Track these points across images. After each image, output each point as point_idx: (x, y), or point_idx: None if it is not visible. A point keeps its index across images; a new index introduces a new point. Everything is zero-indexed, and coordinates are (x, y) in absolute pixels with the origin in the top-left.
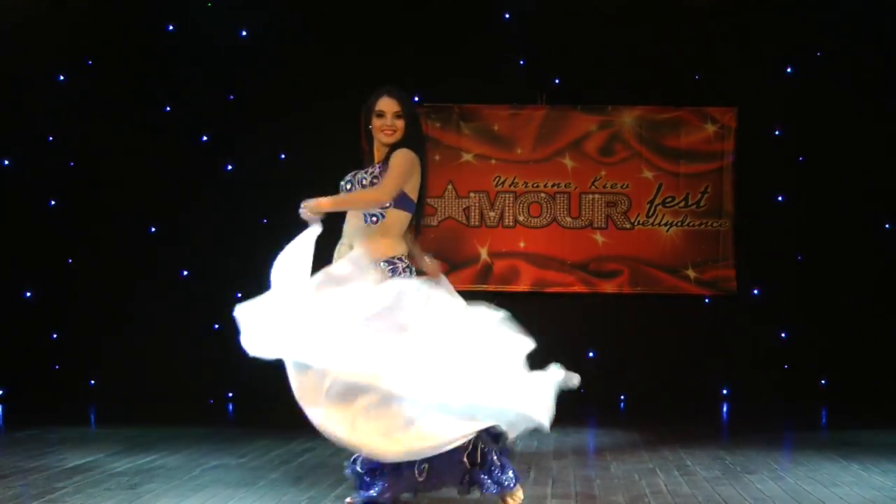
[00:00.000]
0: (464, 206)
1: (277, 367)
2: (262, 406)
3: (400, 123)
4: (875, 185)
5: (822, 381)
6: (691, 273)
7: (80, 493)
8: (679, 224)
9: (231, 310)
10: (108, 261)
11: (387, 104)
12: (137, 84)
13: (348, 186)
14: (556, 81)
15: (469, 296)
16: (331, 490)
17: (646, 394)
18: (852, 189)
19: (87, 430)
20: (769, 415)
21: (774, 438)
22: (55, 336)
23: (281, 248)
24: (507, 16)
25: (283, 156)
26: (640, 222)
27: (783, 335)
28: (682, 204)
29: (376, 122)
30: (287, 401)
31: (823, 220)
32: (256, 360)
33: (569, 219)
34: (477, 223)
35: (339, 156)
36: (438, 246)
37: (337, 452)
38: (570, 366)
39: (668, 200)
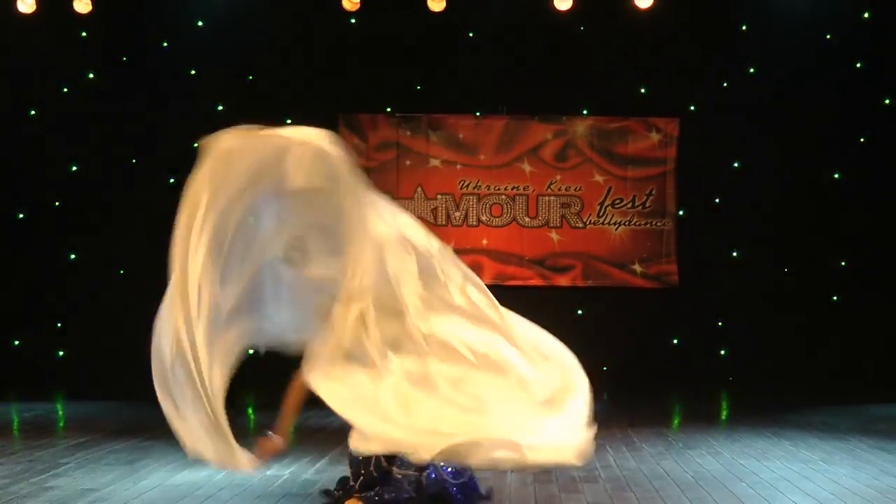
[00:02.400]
0: (432, 207)
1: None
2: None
3: None
4: (803, 188)
5: (757, 366)
6: (637, 268)
7: (82, 468)
8: (627, 223)
9: None
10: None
11: None
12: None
13: None
14: (516, 94)
15: None
16: (311, 465)
17: (597, 378)
18: (783, 192)
19: (88, 411)
20: (709, 396)
21: (713, 417)
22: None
23: None
24: (472, 34)
25: None
26: (592, 222)
27: (720, 323)
28: (629, 205)
29: None
30: (273, 383)
31: (756, 220)
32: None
33: (527, 218)
34: (444, 222)
35: None
36: None
37: (318, 431)
38: None
39: (616, 202)
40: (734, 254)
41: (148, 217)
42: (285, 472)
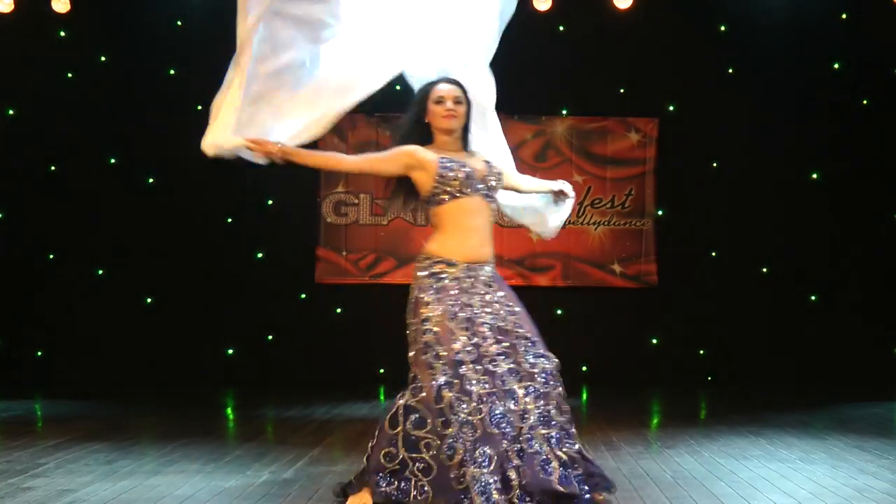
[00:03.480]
0: (410, 207)
1: (240, 354)
2: (230, 387)
3: (461, 109)
4: (781, 188)
5: (734, 365)
6: (617, 268)
7: (61, 469)
8: (606, 223)
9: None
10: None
11: (446, 90)
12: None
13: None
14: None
15: None
16: (290, 465)
17: (576, 377)
18: (761, 192)
19: (67, 411)
20: (688, 396)
21: (692, 417)
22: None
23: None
24: None
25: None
26: (571, 222)
27: (699, 323)
28: (608, 205)
29: (436, 109)
30: (251, 382)
31: (734, 220)
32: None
33: (507, 218)
34: (423, 223)
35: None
36: (389, 243)
37: (297, 430)
38: None
39: (596, 202)
40: (713, 254)
41: (127, 217)
42: (264, 473)
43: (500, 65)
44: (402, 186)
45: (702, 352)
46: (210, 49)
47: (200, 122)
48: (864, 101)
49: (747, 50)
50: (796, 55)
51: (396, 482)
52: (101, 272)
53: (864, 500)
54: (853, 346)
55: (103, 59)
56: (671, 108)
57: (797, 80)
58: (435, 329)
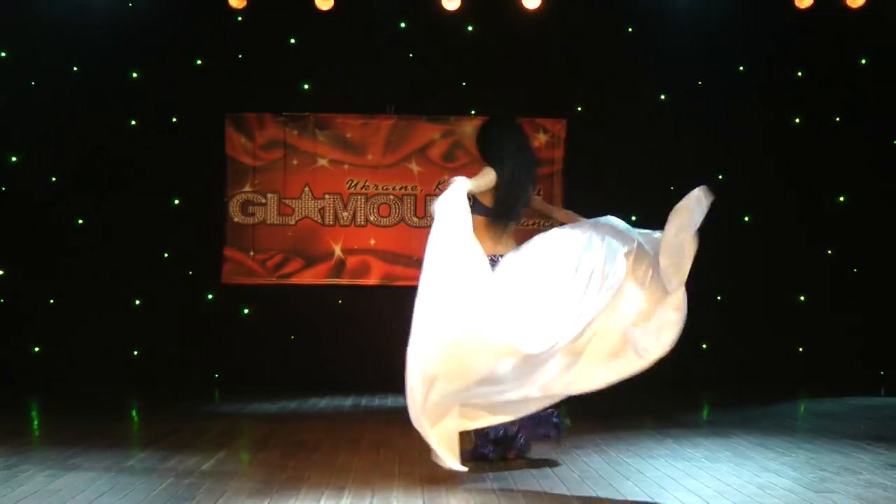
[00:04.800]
0: (319, 207)
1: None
2: (136, 389)
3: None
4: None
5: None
6: None
7: None
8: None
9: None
10: None
11: None
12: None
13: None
14: (404, 94)
15: (323, 290)
16: (197, 467)
17: None
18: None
19: None
20: (596, 397)
21: (600, 418)
22: None
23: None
24: (360, 34)
25: None
26: None
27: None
28: None
29: None
30: (157, 384)
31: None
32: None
33: (415, 219)
34: (331, 222)
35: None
36: (296, 243)
37: (204, 432)
38: None
39: None
40: None
41: (27, 218)
42: (170, 476)
43: (408, 64)
44: None
45: None
46: (114, 48)
47: (100, 119)
48: (771, 101)
49: (656, 49)
50: (702, 55)
51: None
52: (1, 273)
53: (768, 497)
54: (758, 346)
55: (3, 54)
56: (579, 108)
57: (706, 79)
58: None
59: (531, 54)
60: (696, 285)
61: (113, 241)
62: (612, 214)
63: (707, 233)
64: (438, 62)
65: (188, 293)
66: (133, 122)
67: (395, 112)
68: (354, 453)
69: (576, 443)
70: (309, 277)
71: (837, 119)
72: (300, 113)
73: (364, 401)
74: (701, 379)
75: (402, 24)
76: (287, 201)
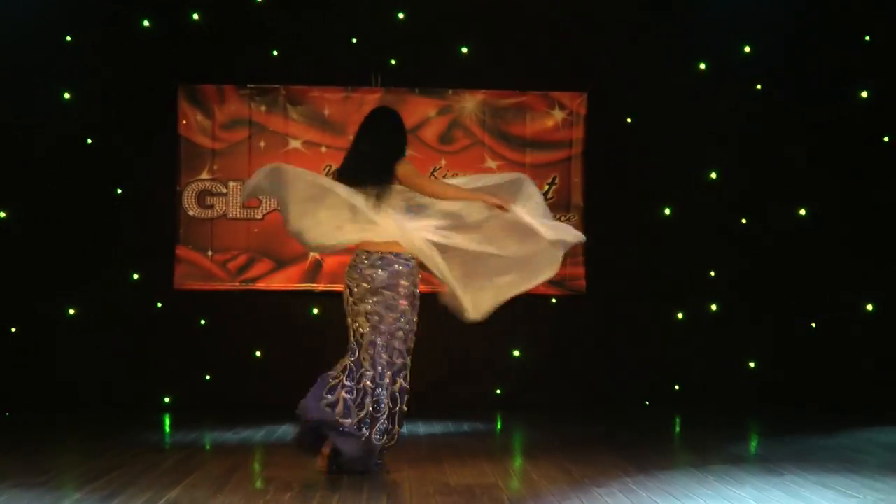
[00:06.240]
0: None
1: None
2: (66, 415)
3: None
4: (728, 179)
5: (675, 386)
6: None
7: None
8: None
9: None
10: None
11: None
12: None
13: None
14: (392, 62)
15: (295, 296)
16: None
17: (490, 402)
18: (700, 180)
19: None
20: (621, 422)
21: (626, 448)
22: None
23: None
24: None
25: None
26: None
27: (636, 338)
28: None
29: None
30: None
31: (680, 217)
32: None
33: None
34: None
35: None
36: (263, 241)
37: (153, 467)
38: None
39: None
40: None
41: None
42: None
43: (397, 27)
44: None
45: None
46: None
47: (26, 92)
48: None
49: (692, 9)
50: (750, 17)
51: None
52: None
53: None
54: (815, 364)
55: None
56: (603, 81)
57: (753, 46)
58: None
59: (544, 14)
60: (742, 291)
61: (40, 238)
62: (640, 205)
63: (725, 227)
64: (433, 23)
65: (133, 301)
66: (66, 96)
67: (382, 84)
68: (334, 491)
69: (598, 481)
70: (279, 282)
71: None
72: (269, 85)
73: None
74: (747, 403)
75: None
76: None
